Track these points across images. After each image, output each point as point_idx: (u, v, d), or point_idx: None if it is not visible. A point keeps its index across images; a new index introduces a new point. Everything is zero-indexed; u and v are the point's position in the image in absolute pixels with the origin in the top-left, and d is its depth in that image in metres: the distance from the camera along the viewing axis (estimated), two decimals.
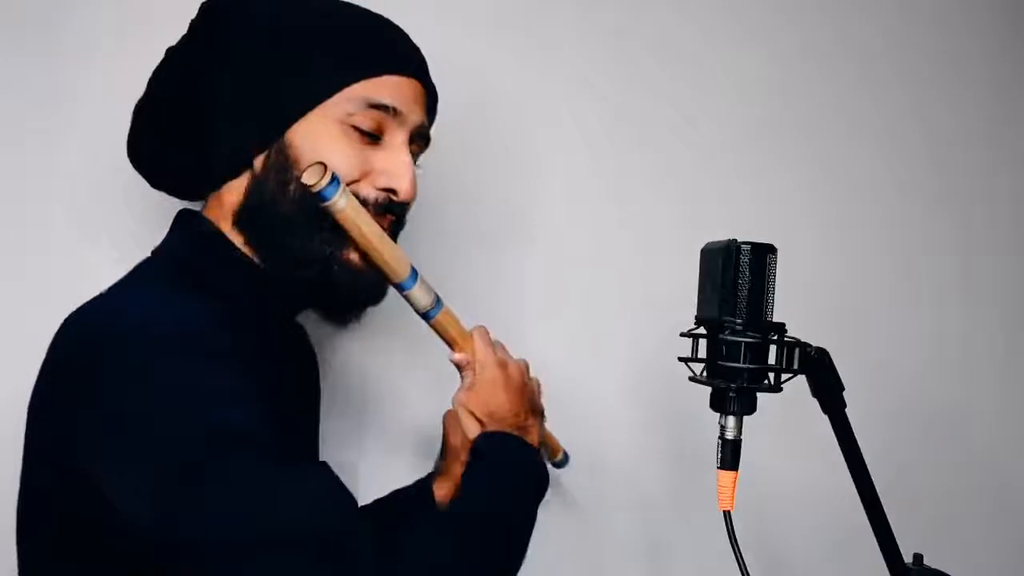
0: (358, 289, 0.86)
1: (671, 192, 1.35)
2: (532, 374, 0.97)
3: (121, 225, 1.08)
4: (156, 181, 0.95)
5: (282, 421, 0.75)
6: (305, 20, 0.85)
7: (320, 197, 0.79)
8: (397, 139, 0.86)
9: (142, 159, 0.93)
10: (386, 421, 1.22)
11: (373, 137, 0.84)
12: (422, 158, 0.93)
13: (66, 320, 0.77)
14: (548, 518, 1.26)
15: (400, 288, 0.87)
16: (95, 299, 0.79)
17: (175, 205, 0.92)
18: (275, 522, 0.68)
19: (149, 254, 0.87)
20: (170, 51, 0.89)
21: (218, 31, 0.86)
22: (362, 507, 1.02)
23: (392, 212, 0.86)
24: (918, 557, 0.89)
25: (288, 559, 0.67)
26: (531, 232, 1.29)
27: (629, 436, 1.31)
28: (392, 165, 0.85)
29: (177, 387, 0.69)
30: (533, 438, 0.91)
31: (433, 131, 0.94)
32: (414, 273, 0.87)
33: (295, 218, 0.81)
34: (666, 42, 1.36)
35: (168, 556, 0.69)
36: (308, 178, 0.79)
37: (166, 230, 0.89)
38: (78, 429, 0.71)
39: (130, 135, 0.91)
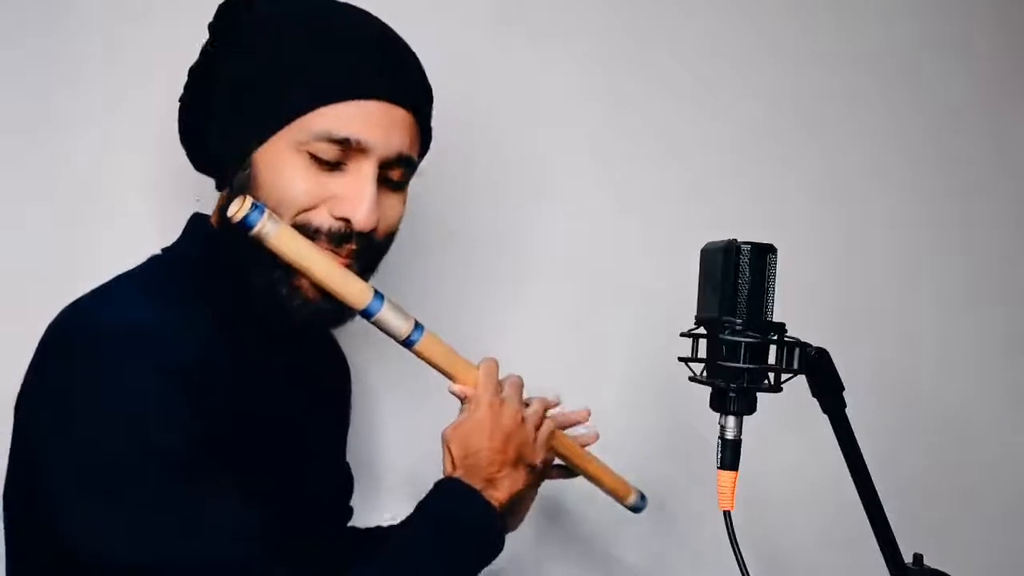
0: (311, 318, 0.82)
1: (671, 192, 1.35)
2: (553, 411, 0.93)
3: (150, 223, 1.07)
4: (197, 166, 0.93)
5: (240, 436, 0.77)
6: (292, 31, 0.82)
7: (244, 226, 0.77)
8: (362, 167, 0.80)
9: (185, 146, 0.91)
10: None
11: (335, 165, 0.80)
12: (423, 171, 0.89)
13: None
14: (547, 518, 1.27)
15: (366, 315, 0.83)
16: (83, 296, 0.80)
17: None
18: (173, 548, 0.69)
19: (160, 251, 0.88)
20: (202, 49, 0.87)
21: (227, 35, 0.85)
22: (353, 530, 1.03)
23: (351, 241, 0.81)
24: (918, 557, 0.89)
25: None
26: (530, 232, 1.28)
27: (629, 436, 1.31)
28: (350, 192, 0.80)
29: (105, 408, 0.71)
30: (499, 493, 0.84)
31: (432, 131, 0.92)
32: (379, 298, 0.82)
33: (238, 245, 0.79)
34: (670, 42, 1.36)
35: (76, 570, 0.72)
36: (231, 210, 0.77)
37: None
38: (29, 432, 0.76)
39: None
